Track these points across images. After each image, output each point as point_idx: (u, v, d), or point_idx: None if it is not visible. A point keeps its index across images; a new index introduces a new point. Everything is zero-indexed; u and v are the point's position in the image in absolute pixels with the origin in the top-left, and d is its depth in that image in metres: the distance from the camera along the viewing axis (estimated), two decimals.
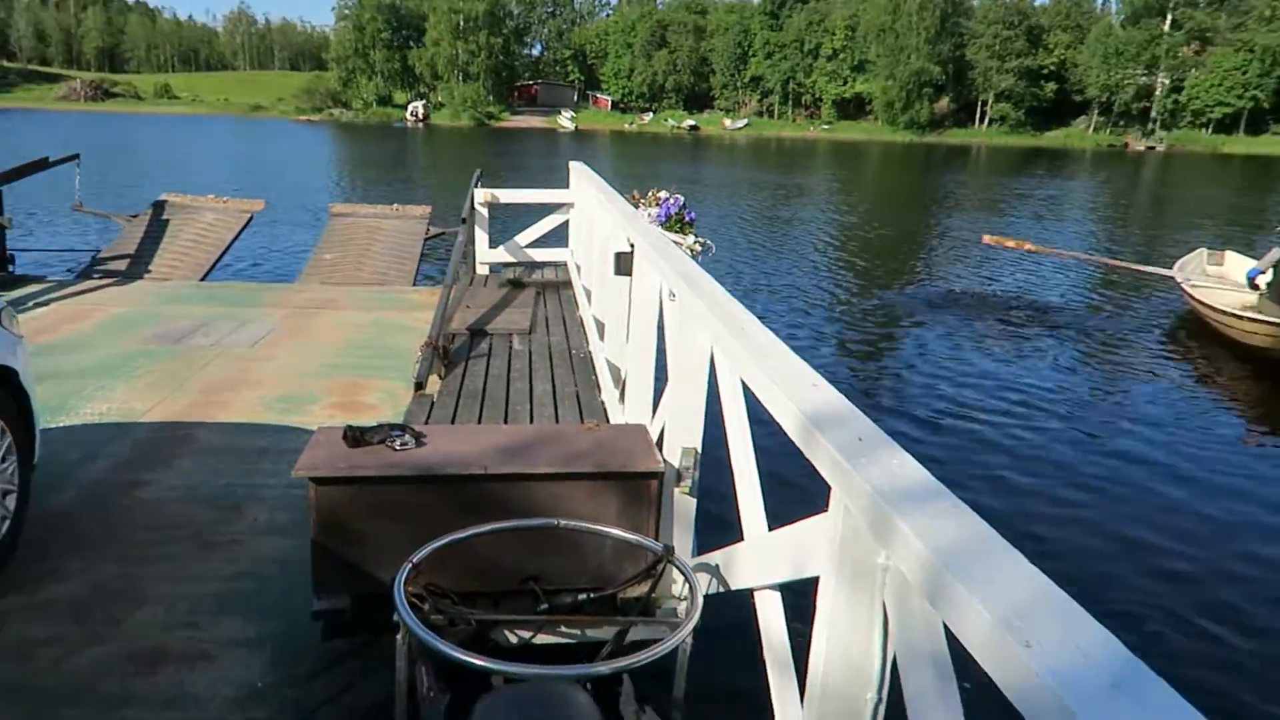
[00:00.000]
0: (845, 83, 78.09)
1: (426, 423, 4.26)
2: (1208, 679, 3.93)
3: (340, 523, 2.54)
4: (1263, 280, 9.29)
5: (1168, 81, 72.32)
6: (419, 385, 4.77)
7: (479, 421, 4.41)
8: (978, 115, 76.41)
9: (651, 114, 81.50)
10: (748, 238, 16.59)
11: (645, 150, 48.53)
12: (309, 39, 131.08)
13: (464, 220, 7.45)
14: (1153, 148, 68.01)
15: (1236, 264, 11.24)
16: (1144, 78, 72.79)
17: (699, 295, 2.57)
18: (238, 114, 77.93)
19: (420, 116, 76.20)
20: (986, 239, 12.52)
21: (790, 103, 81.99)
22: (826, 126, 77.76)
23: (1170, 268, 11.26)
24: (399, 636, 2.04)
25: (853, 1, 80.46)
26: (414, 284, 8.10)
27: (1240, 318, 9.03)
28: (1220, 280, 10.69)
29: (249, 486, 3.69)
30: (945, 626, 1.12)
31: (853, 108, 79.67)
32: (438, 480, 2.56)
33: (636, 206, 4.72)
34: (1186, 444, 6.79)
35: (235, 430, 4.32)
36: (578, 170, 7.37)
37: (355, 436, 2.64)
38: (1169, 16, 71.52)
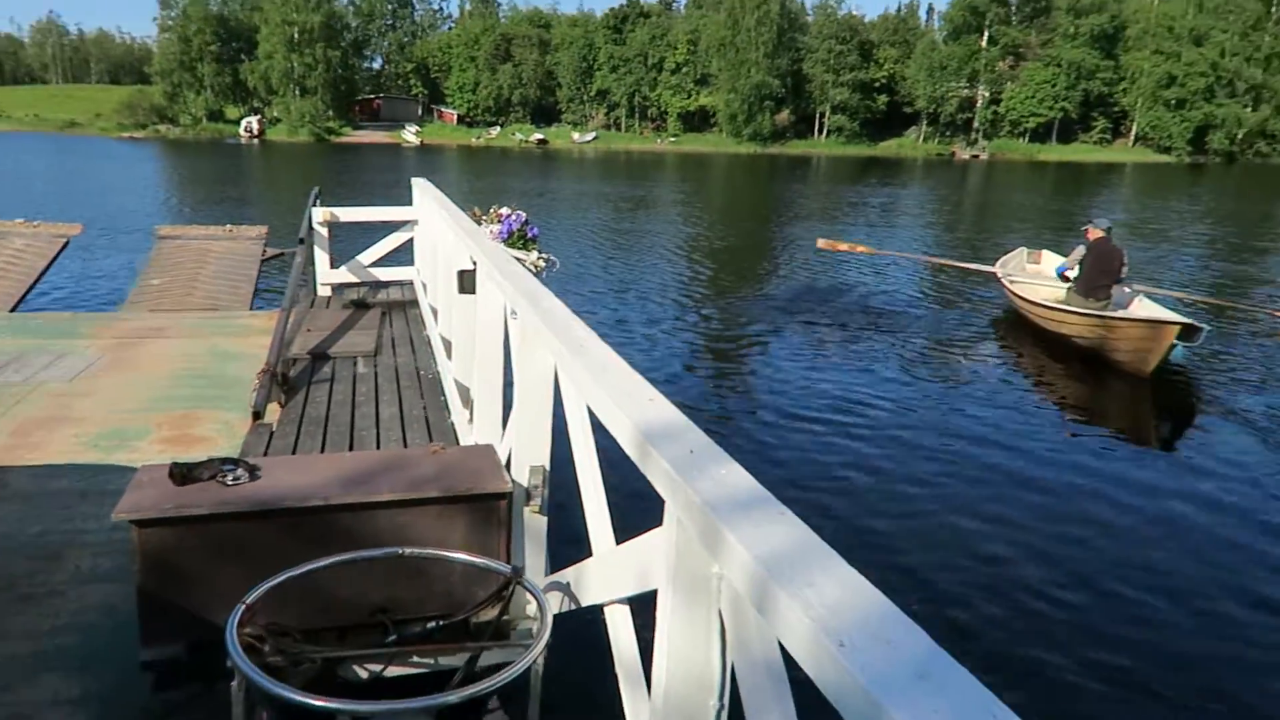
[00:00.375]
0: (690, 96, 79.88)
1: (265, 454, 4.08)
2: (1028, 655, 4.20)
3: (169, 566, 2.39)
4: (1070, 275, 10.21)
5: (987, 94, 77.44)
6: (257, 415, 4.55)
7: (322, 450, 4.25)
8: (816, 127, 79.59)
9: (499, 128, 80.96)
10: (597, 250, 16.71)
11: (494, 164, 48.20)
12: (129, 51, 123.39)
13: (302, 240, 7.19)
14: (977, 156, 72.62)
15: (1051, 262, 12.19)
16: (966, 90, 77.70)
17: (540, 313, 2.56)
18: (50, 131, 72.65)
19: (255, 132, 73.11)
20: (821, 243, 12.85)
21: (637, 116, 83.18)
22: (673, 139, 79.28)
23: (994, 265, 12.06)
24: (234, 683, 1.94)
25: (693, 16, 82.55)
26: (250, 308, 7.75)
27: (1052, 309, 9.92)
28: (1038, 276, 11.54)
29: (68, 532, 3.43)
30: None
31: (698, 120, 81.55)
32: (274, 515, 2.45)
33: (479, 223, 4.66)
34: (1008, 431, 7.26)
35: (51, 473, 4.01)
36: (421, 186, 7.24)
37: (183, 474, 2.50)
38: (986, 33, 76.60)
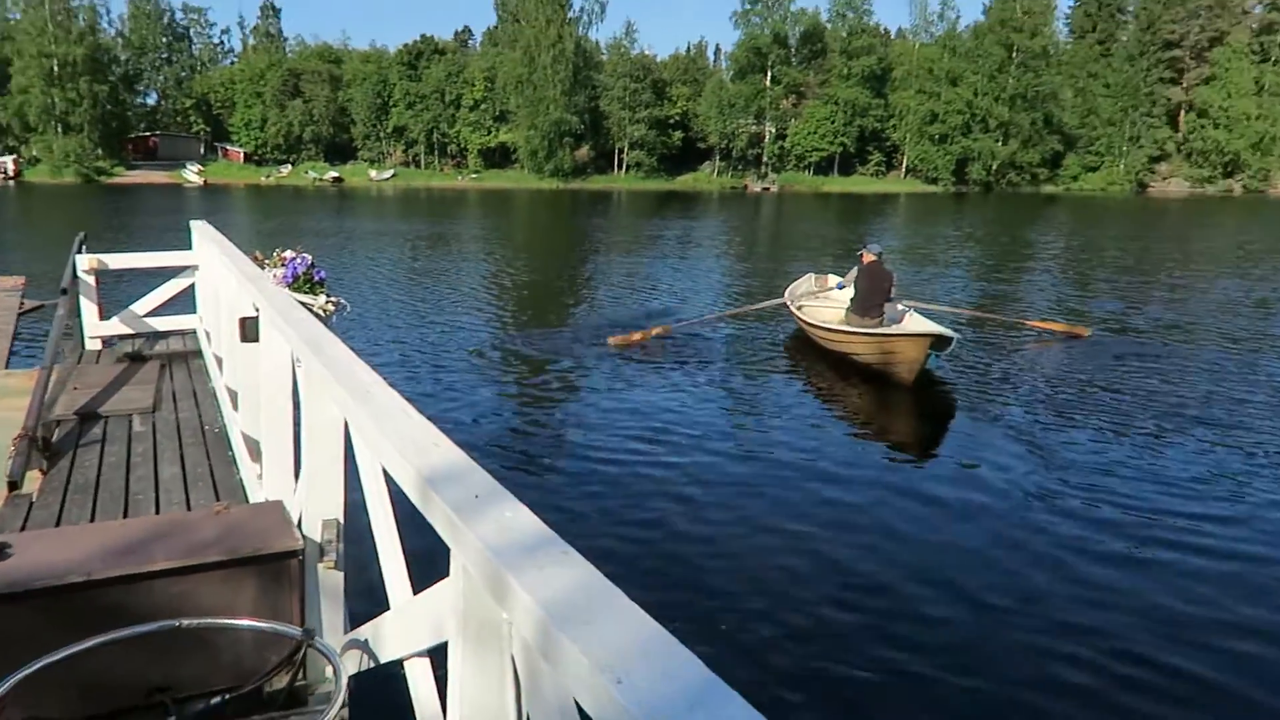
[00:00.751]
0: (489, 132, 79.75)
1: (23, 528, 3.69)
2: (820, 665, 4.41)
3: None
4: (845, 295, 11.05)
5: (773, 130, 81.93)
6: (13, 485, 4.11)
7: (92, 519, 3.89)
8: (616, 162, 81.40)
9: (290, 166, 77.74)
10: (394, 291, 16.29)
11: (286, 204, 46.21)
12: None
13: (64, 290, 6.60)
14: (767, 189, 76.52)
15: (837, 283, 13.01)
16: (754, 126, 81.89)
17: (324, 360, 2.46)
18: None
19: (10, 174, 66.70)
20: (613, 341, 11.56)
21: (436, 152, 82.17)
22: (475, 175, 78.83)
23: (783, 294, 12.73)
24: None
25: (489, 54, 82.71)
26: (5, 367, 7.03)
27: (831, 330, 10.72)
28: (825, 300, 12.30)
29: None
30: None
31: (499, 156, 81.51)
32: (26, 597, 2.21)
33: (262, 267, 4.45)
34: (800, 449, 7.64)
35: None
36: (201, 229, 6.83)
37: None
38: (769, 73, 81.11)
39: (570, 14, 76.86)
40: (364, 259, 21.19)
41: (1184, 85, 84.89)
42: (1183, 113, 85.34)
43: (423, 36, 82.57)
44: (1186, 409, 8.86)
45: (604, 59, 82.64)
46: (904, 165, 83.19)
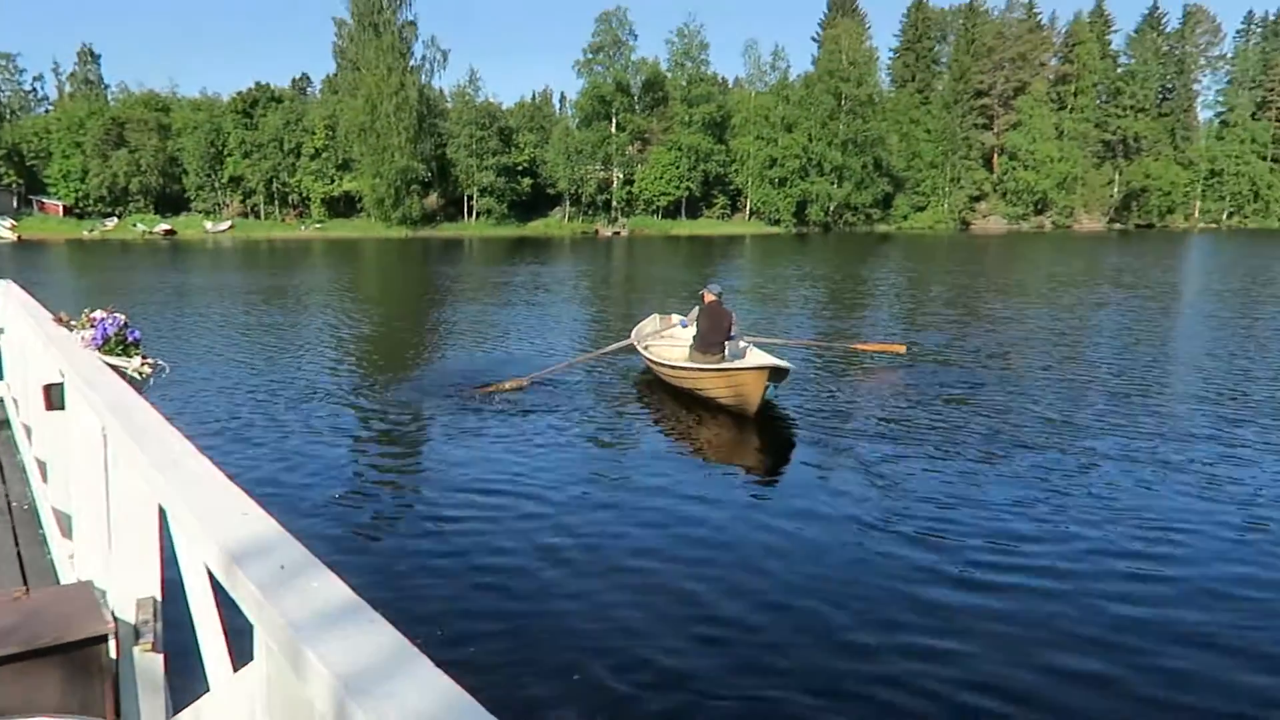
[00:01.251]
0: (332, 181, 77.78)
1: None
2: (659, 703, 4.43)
3: None
4: (688, 333, 11.48)
5: (621, 175, 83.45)
6: None
7: None
8: (466, 209, 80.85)
9: (116, 219, 73.43)
10: (231, 348, 15.50)
11: (112, 260, 43.59)
12: None
13: None
14: (618, 233, 77.66)
15: (678, 325, 13.51)
16: (602, 172, 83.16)
17: (133, 429, 2.32)
18: None
19: None
20: (480, 391, 11.50)
21: (277, 202, 79.47)
22: (319, 225, 76.62)
23: (630, 336, 12.96)
24: None
25: (329, 101, 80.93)
26: None
27: (676, 368, 11.14)
28: (670, 339, 12.59)
29: None
30: None
31: (343, 205, 79.54)
32: None
33: (69, 329, 4.16)
34: (657, 490, 7.70)
35: None
36: (5, 289, 6.36)
37: None
38: (614, 120, 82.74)
39: (412, 62, 76.37)
40: (194, 316, 20.14)
41: (995, 131, 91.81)
42: (996, 155, 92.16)
43: (257, 84, 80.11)
44: (1005, 432, 9.45)
45: (449, 106, 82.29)
46: (748, 208, 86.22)
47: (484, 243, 62.90)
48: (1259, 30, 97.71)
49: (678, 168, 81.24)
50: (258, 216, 79.63)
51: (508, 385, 11.80)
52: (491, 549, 6.33)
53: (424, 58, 77.90)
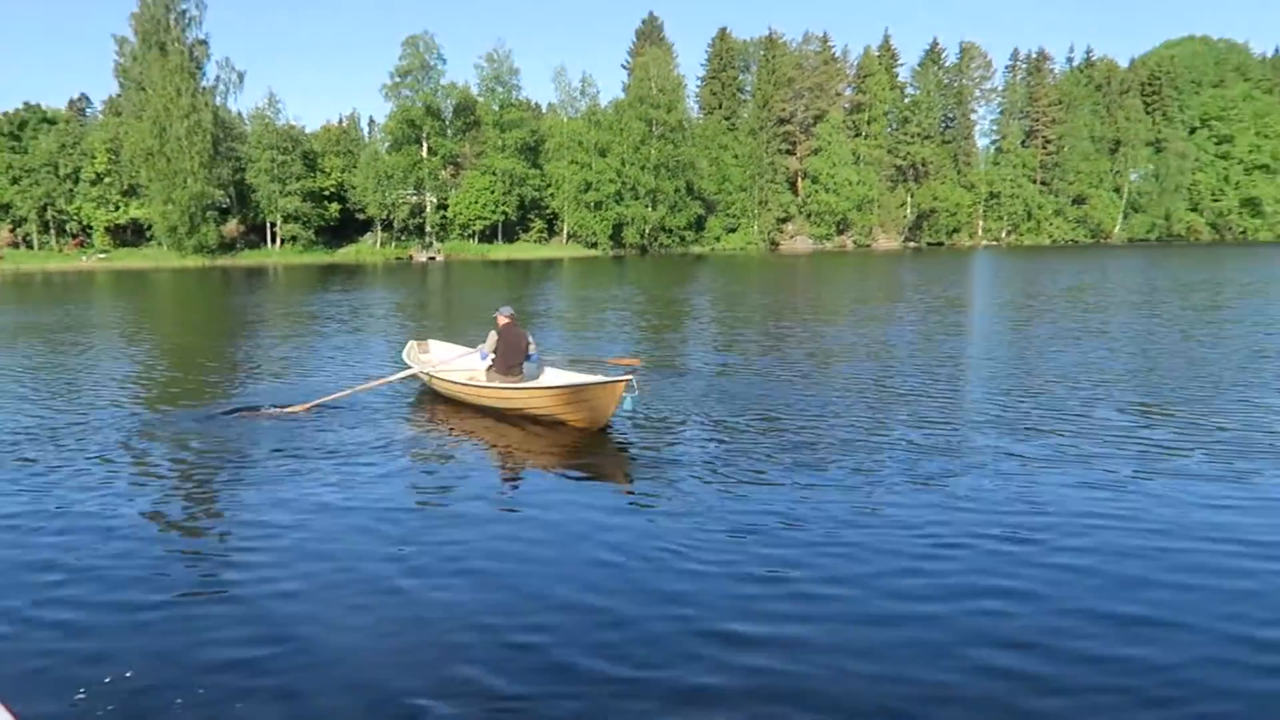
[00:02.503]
0: (117, 208, 72.13)
1: None
2: None
3: None
4: (489, 361, 11.48)
5: (434, 200, 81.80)
6: None
7: None
8: (270, 236, 76.88)
9: None
10: None
11: None
12: None
13: None
14: (433, 258, 75.91)
15: (439, 349, 13.93)
16: (414, 197, 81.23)
17: None
18: None
19: None
20: (246, 414, 11.28)
21: (53, 231, 72.85)
22: (103, 255, 70.77)
23: (409, 364, 12.83)
24: None
25: (111, 124, 75.11)
26: None
27: (479, 387, 11.25)
28: (462, 363, 12.55)
29: None
30: None
31: (130, 234, 73.90)
32: None
33: None
34: (523, 515, 7.22)
35: None
36: None
37: None
38: (425, 144, 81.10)
39: (204, 83, 72.04)
40: None
41: (798, 156, 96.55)
42: (800, 179, 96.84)
43: (26, 104, 73.46)
44: (819, 444, 9.56)
45: (247, 130, 78.18)
46: (565, 231, 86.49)
47: (290, 270, 59.83)
48: (1023, 66, 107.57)
49: (493, 192, 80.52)
50: (30, 246, 72.77)
51: (297, 408, 11.26)
52: (287, 599, 5.66)
53: (218, 79, 73.63)
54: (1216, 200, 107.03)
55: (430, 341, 14.36)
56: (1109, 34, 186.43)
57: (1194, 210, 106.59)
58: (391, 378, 12.49)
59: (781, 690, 4.43)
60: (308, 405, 11.34)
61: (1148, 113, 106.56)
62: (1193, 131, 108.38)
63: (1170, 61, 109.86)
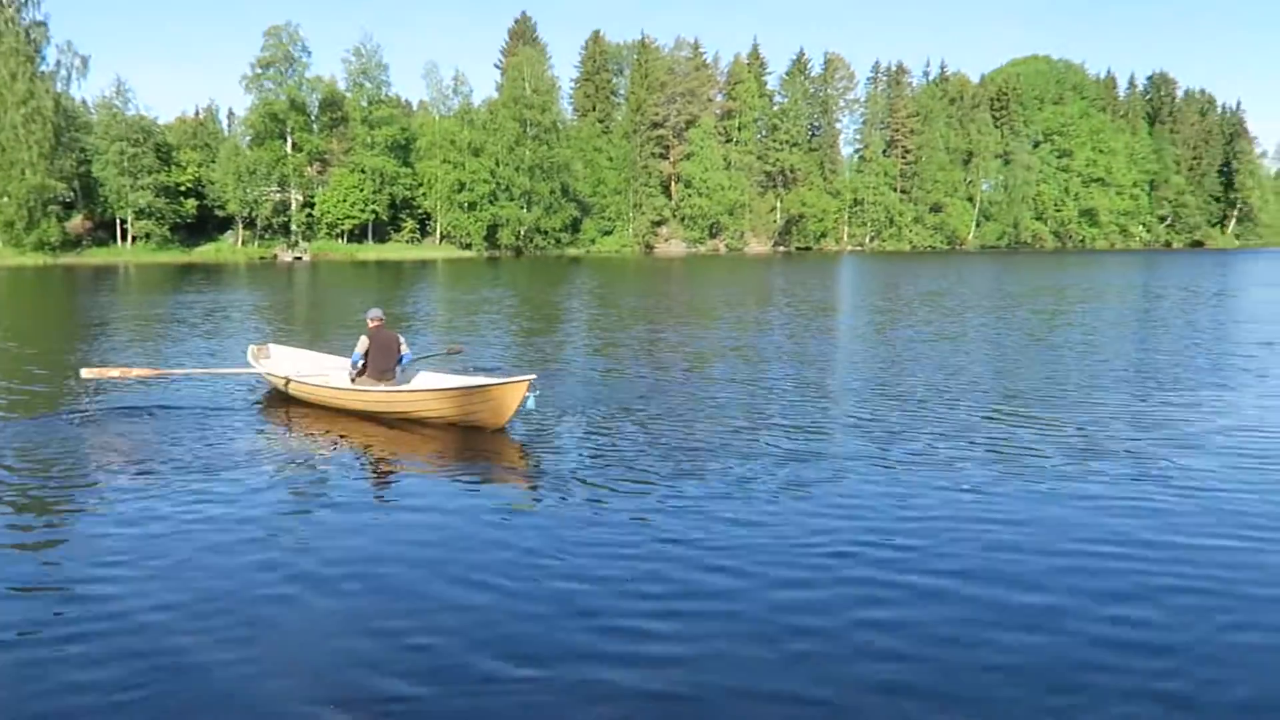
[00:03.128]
0: None
1: None
2: None
3: None
4: (358, 366, 11.21)
5: (300, 198, 78.90)
6: None
7: None
8: (120, 233, 72.48)
9: None
10: None
11: None
12: None
13: None
14: (300, 258, 73.18)
15: (280, 354, 13.50)
16: (279, 194, 78.12)
17: None
18: None
19: None
20: (87, 372, 11.58)
21: None
22: None
23: (254, 365, 12.58)
24: None
25: None
26: None
27: (360, 391, 10.98)
28: (321, 369, 12.33)
29: None
30: None
31: None
32: None
33: None
34: (432, 525, 6.98)
35: None
36: None
37: None
38: (289, 139, 78.14)
39: (44, 67, 67.34)
40: None
41: (671, 160, 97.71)
42: (673, 183, 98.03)
43: None
44: (699, 449, 9.69)
45: (93, 119, 73.50)
46: (438, 232, 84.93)
47: (142, 270, 56.56)
48: (884, 78, 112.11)
49: (362, 190, 78.29)
50: None
51: (112, 372, 11.30)
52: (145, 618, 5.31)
53: (58, 63, 68.93)
54: (1059, 210, 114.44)
55: (271, 345, 13.79)
56: (961, 50, 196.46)
57: (1039, 219, 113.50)
58: (242, 370, 12.22)
59: (667, 691, 4.45)
60: (155, 370, 11.13)
61: (997, 126, 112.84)
62: (1037, 145, 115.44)
63: (1016, 79, 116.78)
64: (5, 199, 63.77)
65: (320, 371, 12.12)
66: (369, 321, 11.31)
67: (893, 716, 4.23)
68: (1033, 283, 39.64)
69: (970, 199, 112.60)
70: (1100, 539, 6.55)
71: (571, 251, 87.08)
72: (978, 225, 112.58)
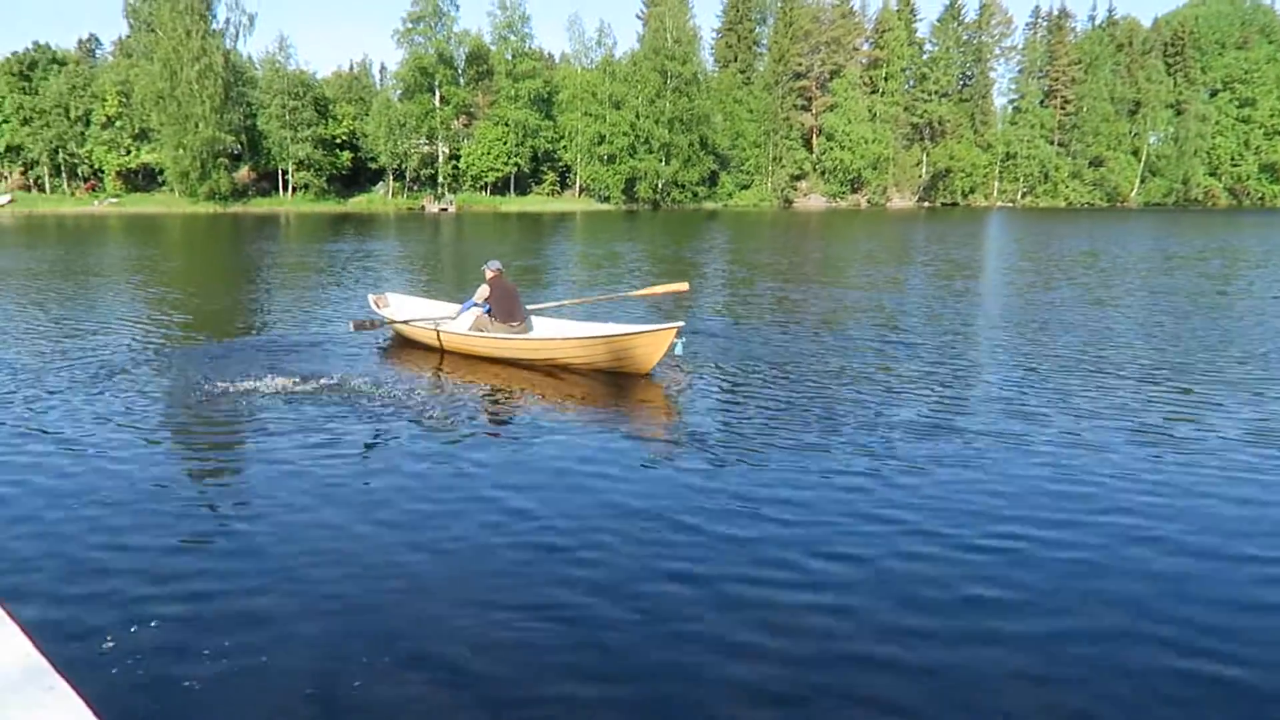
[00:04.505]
0: (128, 152, 71.87)
1: None
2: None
3: None
4: (469, 308, 11.97)
5: (446, 150, 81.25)
6: None
7: None
8: (281, 184, 76.62)
9: None
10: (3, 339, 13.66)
11: None
12: None
13: None
14: (445, 209, 75.57)
15: (398, 302, 13.86)
16: (426, 147, 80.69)
17: None
18: None
19: None
20: (354, 325, 11.68)
21: (65, 174, 72.70)
22: (114, 199, 70.67)
23: (384, 318, 12.79)
24: None
25: (122, 66, 74.50)
26: None
27: (488, 337, 11.43)
28: (456, 318, 12.41)
29: None
30: None
31: (142, 178, 73.74)
32: None
33: None
34: (603, 469, 7.30)
35: None
36: None
37: None
38: (437, 93, 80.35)
39: (214, 25, 71.27)
40: None
41: (813, 112, 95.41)
42: (815, 136, 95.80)
43: (36, 45, 72.83)
44: (844, 417, 9.62)
45: (258, 75, 77.52)
46: (577, 185, 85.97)
47: (302, 219, 59.68)
48: (1044, 24, 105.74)
49: (505, 143, 79.93)
50: (43, 190, 72.72)
51: (376, 323, 12.04)
52: (365, 576, 5.75)
53: (227, 21, 72.96)
54: (1236, 165, 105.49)
55: (389, 294, 14.14)
56: None
57: (1212, 175, 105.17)
58: (403, 327, 12.61)
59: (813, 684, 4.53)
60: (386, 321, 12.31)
61: (1169, 74, 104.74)
62: (1214, 94, 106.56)
63: (1194, 21, 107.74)
64: (181, 151, 68.24)
65: (442, 315, 12.46)
66: (487, 272, 11.85)
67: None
68: (1202, 244, 36.95)
69: (1135, 152, 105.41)
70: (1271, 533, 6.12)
71: (708, 205, 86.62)
72: (1142, 181, 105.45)
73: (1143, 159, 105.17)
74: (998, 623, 4.75)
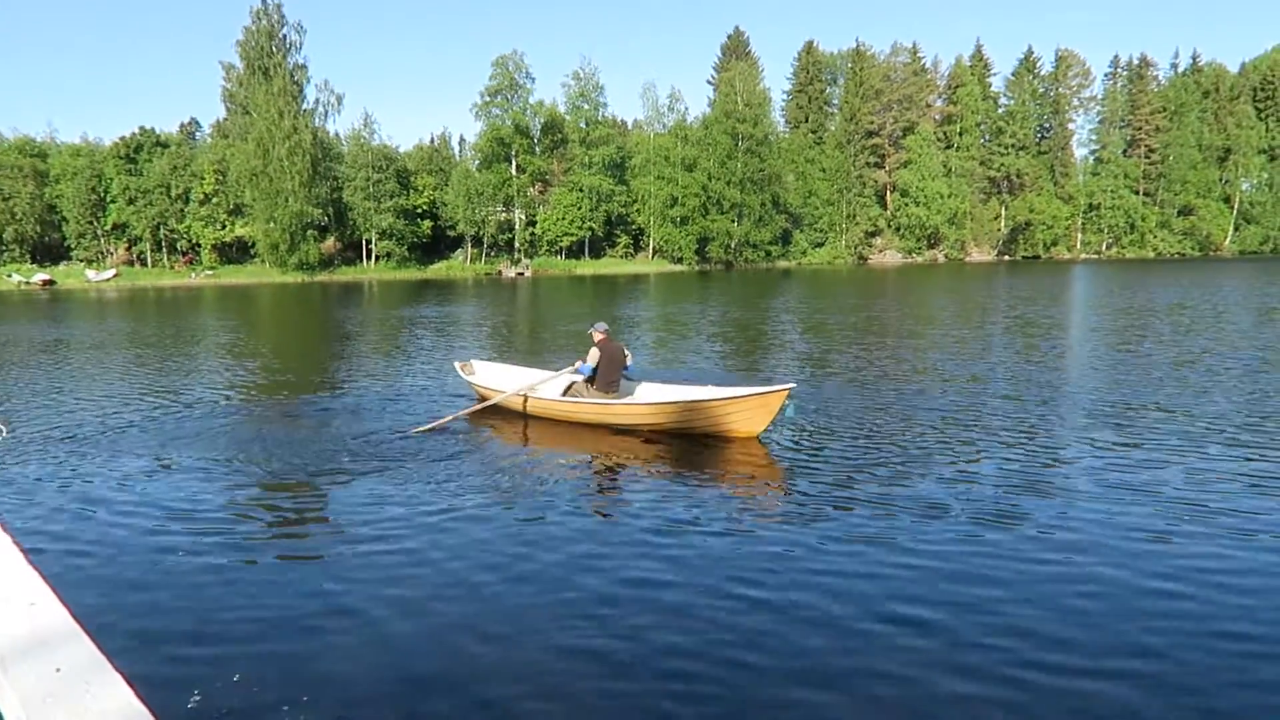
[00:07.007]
0: (224, 227, 75.36)
1: None
2: None
3: None
4: (586, 373, 11.81)
5: (523, 217, 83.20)
6: None
7: None
8: (365, 252, 79.22)
9: None
10: (99, 403, 14.27)
11: None
12: None
13: None
14: (521, 273, 77.08)
15: (483, 370, 13.89)
16: (504, 214, 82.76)
17: None
18: None
19: None
20: (416, 431, 11.36)
21: (165, 249, 76.47)
22: (210, 272, 73.93)
23: (481, 387, 13.08)
24: None
25: (219, 146, 78.52)
26: None
27: (583, 403, 11.37)
28: (553, 385, 12.40)
29: None
30: None
31: (236, 251, 77.10)
32: None
33: None
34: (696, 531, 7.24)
35: None
36: None
37: None
38: (514, 162, 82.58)
39: (305, 105, 74.74)
40: (61, 370, 18.77)
41: (887, 169, 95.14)
42: (889, 192, 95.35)
43: (141, 129, 77.31)
44: (932, 451, 9.34)
45: (344, 150, 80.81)
46: (650, 246, 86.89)
47: (385, 285, 61.51)
48: (1124, 73, 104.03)
49: (579, 208, 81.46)
50: (145, 264, 76.50)
51: (452, 417, 11.77)
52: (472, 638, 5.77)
53: (317, 101, 76.50)
54: None
55: (474, 362, 14.24)
56: (1216, 37, 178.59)
57: None
58: (492, 400, 12.47)
59: None
60: (443, 420, 11.66)
61: (1260, 118, 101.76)
62: None
63: None
64: (272, 224, 71.26)
65: (527, 385, 12.30)
66: (594, 334, 11.71)
67: None
68: None
69: (1227, 200, 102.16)
70: None
71: (782, 264, 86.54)
72: (1236, 229, 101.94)
73: (1235, 206, 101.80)
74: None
